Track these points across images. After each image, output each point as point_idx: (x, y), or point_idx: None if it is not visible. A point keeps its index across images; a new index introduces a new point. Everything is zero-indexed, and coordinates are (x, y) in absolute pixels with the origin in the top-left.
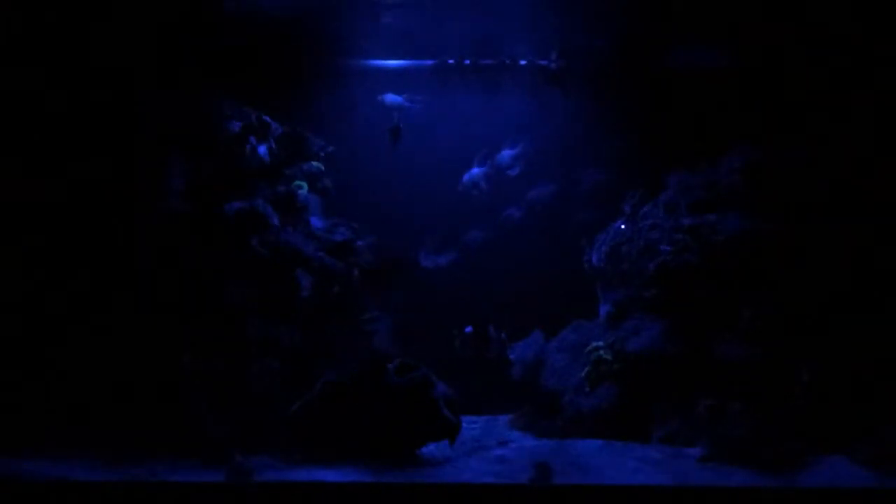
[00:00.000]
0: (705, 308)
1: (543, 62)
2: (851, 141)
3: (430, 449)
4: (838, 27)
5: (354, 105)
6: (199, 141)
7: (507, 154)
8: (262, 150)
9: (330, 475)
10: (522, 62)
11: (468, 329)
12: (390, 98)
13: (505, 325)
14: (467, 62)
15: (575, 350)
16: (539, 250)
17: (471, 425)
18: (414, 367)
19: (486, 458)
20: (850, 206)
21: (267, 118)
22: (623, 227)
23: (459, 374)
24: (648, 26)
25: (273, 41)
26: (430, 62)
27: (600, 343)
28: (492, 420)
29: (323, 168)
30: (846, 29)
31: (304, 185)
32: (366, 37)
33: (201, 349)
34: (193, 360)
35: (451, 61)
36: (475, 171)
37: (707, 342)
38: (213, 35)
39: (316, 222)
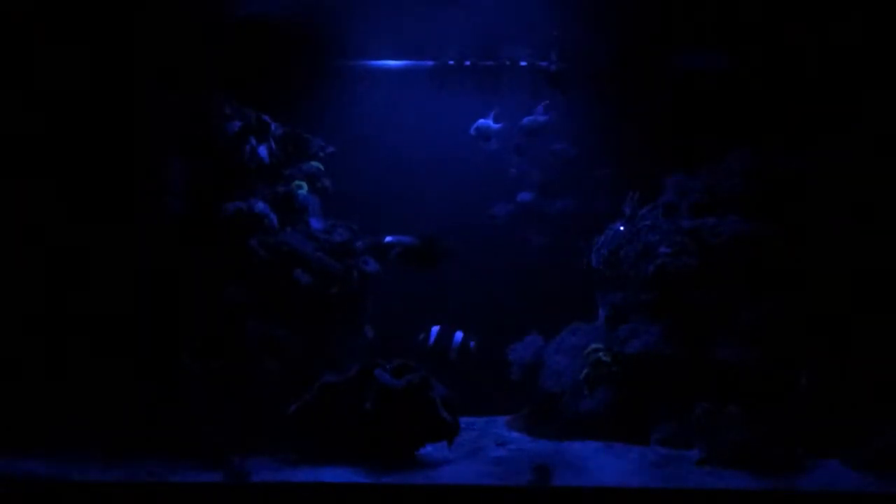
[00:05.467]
0: (704, 311)
1: (543, 63)
2: (850, 143)
3: (428, 450)
4: (838, 30)
5: (355, 106)
6: (199, 141)
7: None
8: (262, 150)
9: (328, 476)
10: (522, 63)
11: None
12: (485, 124)
13: (503, 327)
14: (467, 63)
15: (573, 352)
16: (538, 251)
17: (469, 427)
18: (412, 369)
19: (485, 459)
20: (849, 208)
21: (267, 118)
22: (622, 228)
23: (458, 375)
24: (648, 28)
25: (274, 41)
26: (430, 63)
27: (599, 345)
28: (490, 421)
29: (322, 168)
30: (845, 31)
31: (304, 185)
32: (365, 37)
33: (200, 349)
34: (192, 360)
35: (451, 62)
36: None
37: (706, 345)
38: (213, 35)
39: (315, 223)
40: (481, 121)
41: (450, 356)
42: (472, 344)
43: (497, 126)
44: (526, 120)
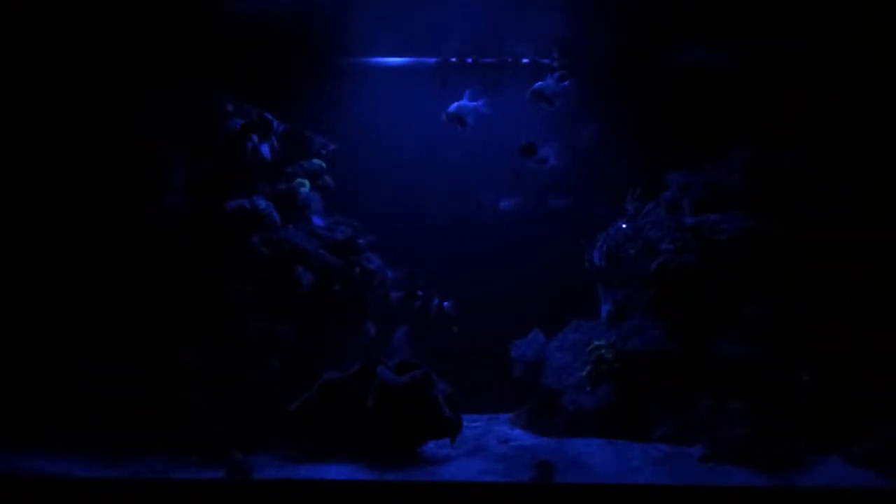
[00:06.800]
0: (706, 307)
1: (545, 60)
2: (852, 140)
3: (430, 447)
4: (838, 27)
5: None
6: (201, 138)
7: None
8: (264, 147)
9: (330, 473)
10: (525, 60)
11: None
12: (461, 106)
13: (506, 325)
14: (469, 60)
15: (576, 349)
16: (539, 249)
17: (471, 424)
18: (414, 366)
19: (487, 456)
20: (850, 205)
21: (269, 115)
22: (624, 226)
23: (461, 372)
24: (650, 24)
25: (276, 39)
26: (432, 60)
27: (601, 342)
28: (493, 418)
29: (324, 166)
30: (846, 29)
31: (306, 182)
32: (367, 34)
33: (201, 346)
34: (194, 357)
35: (452, 59)
36: (466, 104)
37: (707, 342)
38: (215, 33)
39: (317, 220)
40: (454, 104)
41: (429, 314)
42: (447, 304)
43: (472, 104)
44: (538, 84)
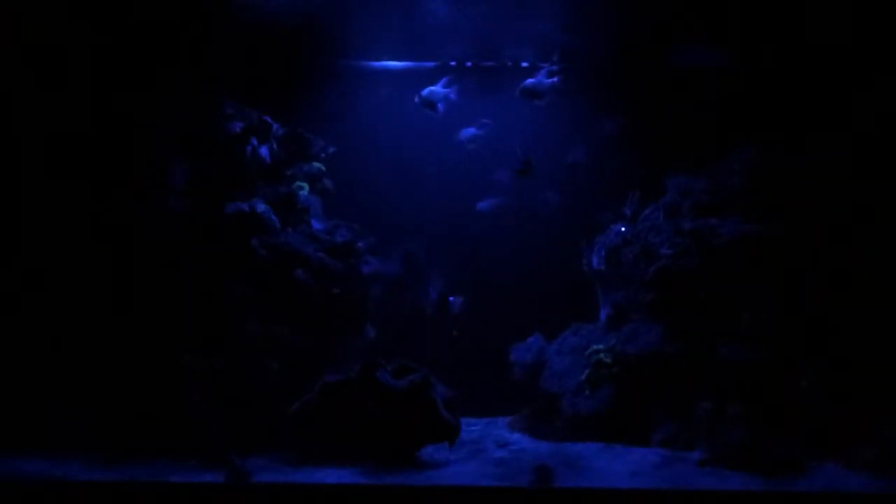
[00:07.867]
0: (705, 311)
1: (544, 64)
2: (852, 143)
3: (429, 451)
4: (839, 28)
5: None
6: (201, 141)
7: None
8: (264, 150)
9: (328, 476)
10: (524, 64)
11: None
12: (432, 91)
13: (505, 328)
14: (468, 64)
15: (575, 353)
16: (539, 252)
17: (470, 427)
18: (414, 369)
19: (486, 460)
20: (850, 208)
21: (268, 118)
22: (623, 229)
23: (460, 375)
24: (649, 27)
25: (276, 42)
26: (431, 64)
27: (600, 346)
28: (491, 422)
29: (324, 169)
30: (847, 30)
31: (305, 186)
32: (367, 38)
33: (201, 349)
34: (193, 359)
35: (452, 63)
36: (438, 90)
37: (707, 345)
38: (215, 34)
39: (316, 223)
40: (427, 89)
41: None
42: (453, 299)
43: (444, 91)
44: (528, 81)
